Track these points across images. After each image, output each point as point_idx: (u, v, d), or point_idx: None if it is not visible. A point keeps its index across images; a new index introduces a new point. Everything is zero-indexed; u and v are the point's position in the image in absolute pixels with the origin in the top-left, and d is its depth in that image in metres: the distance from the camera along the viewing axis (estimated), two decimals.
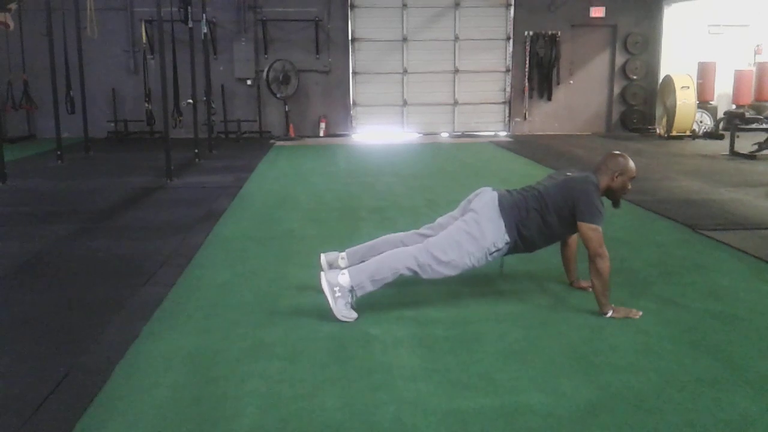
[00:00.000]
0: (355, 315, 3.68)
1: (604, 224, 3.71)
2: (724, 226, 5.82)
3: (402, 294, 4.10)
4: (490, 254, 3.78)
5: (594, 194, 3.72)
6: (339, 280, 3.64)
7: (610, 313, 3.69)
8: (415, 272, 3.73)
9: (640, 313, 3.71)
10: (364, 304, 3.80)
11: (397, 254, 3.76)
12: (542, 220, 3.80)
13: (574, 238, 4.10)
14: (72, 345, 3.39)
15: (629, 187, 3.87)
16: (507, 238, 3.77)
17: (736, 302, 3.97)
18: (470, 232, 3.74)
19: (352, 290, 3.65)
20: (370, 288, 3.69)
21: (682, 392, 2.85)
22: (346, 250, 4.16)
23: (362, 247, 4.14)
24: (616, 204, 3.95)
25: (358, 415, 2.67)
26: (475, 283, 4.29)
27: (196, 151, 10.28)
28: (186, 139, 11.18)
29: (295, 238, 5.56)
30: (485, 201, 3.84)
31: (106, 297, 4.11)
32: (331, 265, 4.09)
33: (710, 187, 7.76)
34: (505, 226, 3.76)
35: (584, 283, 4.15)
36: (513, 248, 3.86)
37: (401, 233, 4.16)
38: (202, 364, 3.16)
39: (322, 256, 4.17)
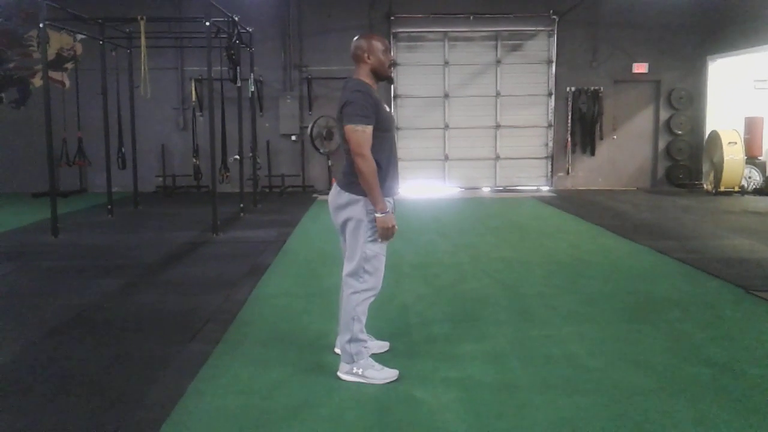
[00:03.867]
0: (392, 372, 3.68)
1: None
2: None
3: (447, 356, 4.05)
4: (371, 217, 3.60)
5: (357, 96, 3.56)
6: (345, 366, 3.70)
7: (379, 216, 3.54)
8: (365, 299, 3.66)
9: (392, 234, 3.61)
10: (409, 366, 3.76)
11: (345, 303, 3.71)
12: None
13: None
14: (119, 402, 3.41)
15: (385, 59, 3.71)
16: (364, 207, 3.61)
17: None
18: (354, 228, 3.64)
19: (355, 360, 3.67)
20: (359, 344, 3.68)
21: None
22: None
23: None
24: (389, 81, 3.81)
25: None
26: (522, 346, 4.23)
27: (242, 205, 10.45)
28: (232, 194, 11.40)
29: (338, 295, 5.55)
30: (333, 198, 3.74)
31: (154, 353, 4.15)
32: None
33: (762, 245, 7.56)
34: (359, 196, 3.61)
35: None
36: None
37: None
38: (247, 425, 3.15)
39: (336, 350, 4.08)
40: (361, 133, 3.50)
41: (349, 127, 3.51)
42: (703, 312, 5.01)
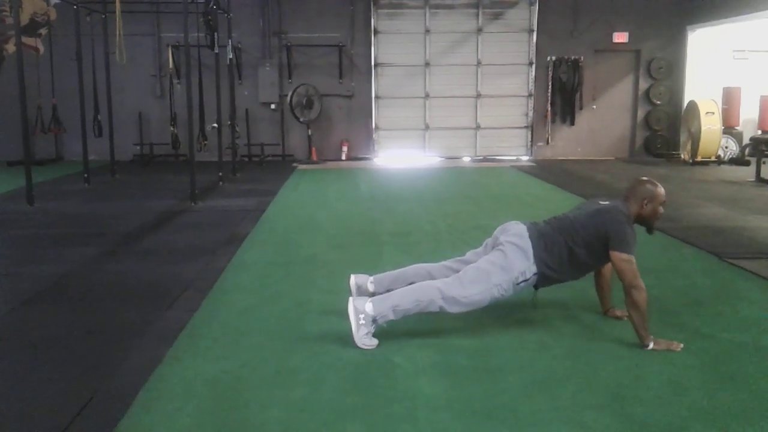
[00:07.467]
0: (375, 343, 3.67)
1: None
2: (751, 254, 5.73)
3: (425, 321, 4.07)
4: (518, 284, 3.76)
5: (625, 224, 3.69)
6: (365, 308, 3.65)
7: (651, 345, 3.61)
8: (441, 307, 3.70)
9: (681, 345, 3.63)
10: (386, 331, 3.79)
11: (423, 287, 3.76)
12: (569, 252, 3.77)
13: (608, 267, 4.05)
14: (96, 369, 3.41)
15: (661, 211, 3.83)
16: (534, 268, 3.75)
17: (765, 333, 3.90)
18: (499, 264, 3.74)
19: (374, 320, 3.66)
20: (391, 317, 3.69)
21: (711, 426, 2.80)
22: (374, 276, 4.17)
23: (390, 275, 4.16)
24: (650, 231, 3.92)
25: None
26: (500, 311, 4.26)
27: (220, 174, 10.38)
28: (210, 162, 11.30)
29: (318, 263, 5.57)
30: (514, 232, 3.85)
31: (130, 321, 4.14)
32: (360, 288, 4.11)
33: (736, 214, 7.67)
34: (534, 256, 3.74)
35: (619, 312, 4.10)
36: (542, 280, 3.83)
37: (430, 264, 4.16)
38: (225, 390, 3.16)
39: (353, 277, 4.19)
40: (633, 264, 3.61)
41: (624, 257, 3.62)
42: (677, 279, 5.09)
